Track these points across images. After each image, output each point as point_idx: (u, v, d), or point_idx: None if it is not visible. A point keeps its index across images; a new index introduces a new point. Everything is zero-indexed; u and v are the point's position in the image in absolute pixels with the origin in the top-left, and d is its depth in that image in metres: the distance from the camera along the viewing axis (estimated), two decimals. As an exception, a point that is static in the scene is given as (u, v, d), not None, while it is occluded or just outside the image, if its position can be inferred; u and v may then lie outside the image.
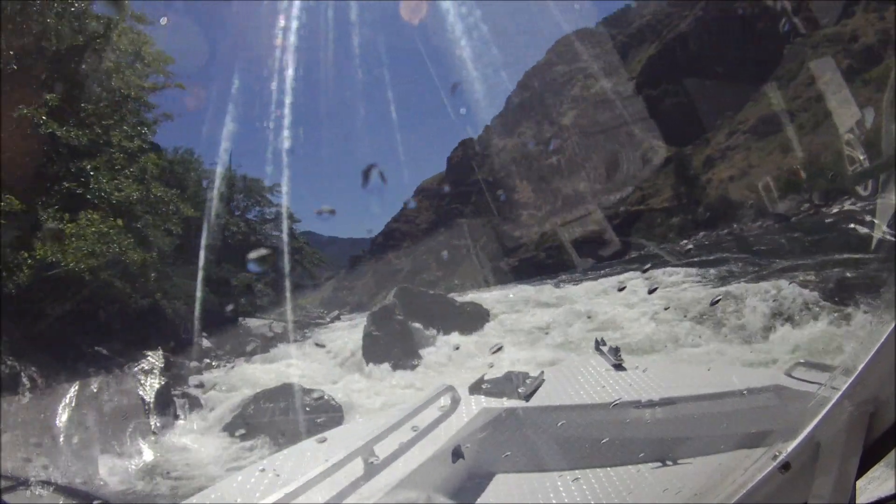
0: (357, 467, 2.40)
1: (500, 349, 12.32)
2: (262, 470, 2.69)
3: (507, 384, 3.38)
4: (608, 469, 2.83)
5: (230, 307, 22.41)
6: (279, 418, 9.23)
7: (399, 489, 2.42)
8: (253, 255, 26.41)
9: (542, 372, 3.61)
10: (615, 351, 3.77)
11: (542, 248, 52.56)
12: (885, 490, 1.50)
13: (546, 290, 19.68)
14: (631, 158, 55.21)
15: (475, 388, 3.37)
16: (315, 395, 9.80)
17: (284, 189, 33.87)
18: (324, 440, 2.99)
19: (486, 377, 3.45)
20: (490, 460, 3.00)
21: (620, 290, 13.78)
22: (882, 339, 1.32)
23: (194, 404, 11.85)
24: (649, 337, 10.81)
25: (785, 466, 1.42)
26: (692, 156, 49.03)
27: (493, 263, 51.07)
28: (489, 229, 62.41)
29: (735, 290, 11.37)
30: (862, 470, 1.37)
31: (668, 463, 2.79)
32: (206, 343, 18.77)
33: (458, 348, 13.47)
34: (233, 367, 16.16)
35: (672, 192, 48.34)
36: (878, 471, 1.43)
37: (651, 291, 12.89)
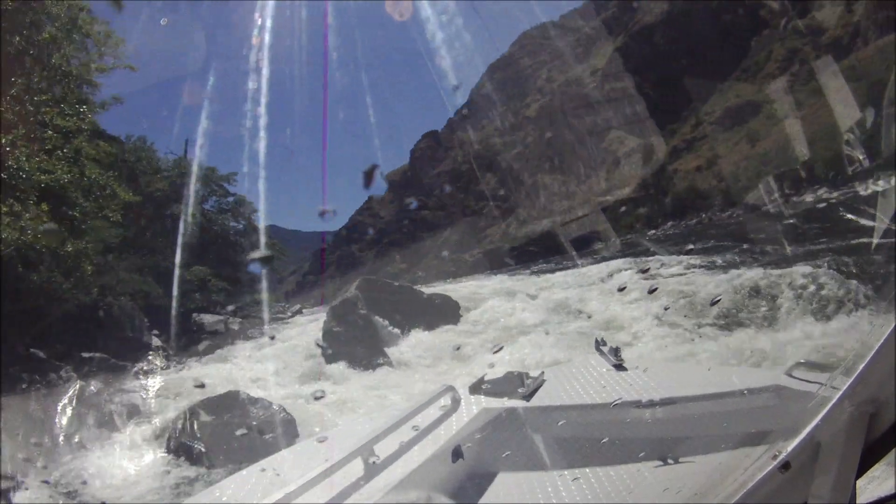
0: (357, 467, 2.43)
1: (501, 349, 11.90)
2: (263, 470, 2.71)
3: (507, 384, 3.39)
4: (608, 468, 2.80)
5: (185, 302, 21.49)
6: (221, 433, 8.13)
7: (399, 489, 2.44)
8: (255, 255, 25.73)
9: (543, 372, 3.61)
10: (615, 351, 3.75)
11: (508, 238, 52.55)
12: (885, 490, 1.47)
13: (522, 282, 19.07)
14: (598, 150, 55.47)
15: (476, 388, 3.40)
16: (263, 405, 8.77)
17: (261, 189, 32.69)
18: (324, 439, 3.01)
19: (486, 377, 3.46)
20: (490, 460, 2.99)
21: (621, 289, 13.33)
22: (882, 339, 1.29)
23: (133, 413, 10.66)
24: (661, 339, 10.04)
25: (785, 466, 1.41)
26: (659, 146, 49.33)
27: (457, 255, 51.03)
28: (455, 221, 62.46)
29: (762, 282, 10.52)
30: (862, 470, 1.36)
31: (669, 462, 2.74)
32: (155, 341, 17.76)
33: (458, 348, 12.86)
34: (182, 369, 15.12)
35: (638, 182, 48.61)
36: (878, 471, 1.41)
37: (651, 291, 12.49)
